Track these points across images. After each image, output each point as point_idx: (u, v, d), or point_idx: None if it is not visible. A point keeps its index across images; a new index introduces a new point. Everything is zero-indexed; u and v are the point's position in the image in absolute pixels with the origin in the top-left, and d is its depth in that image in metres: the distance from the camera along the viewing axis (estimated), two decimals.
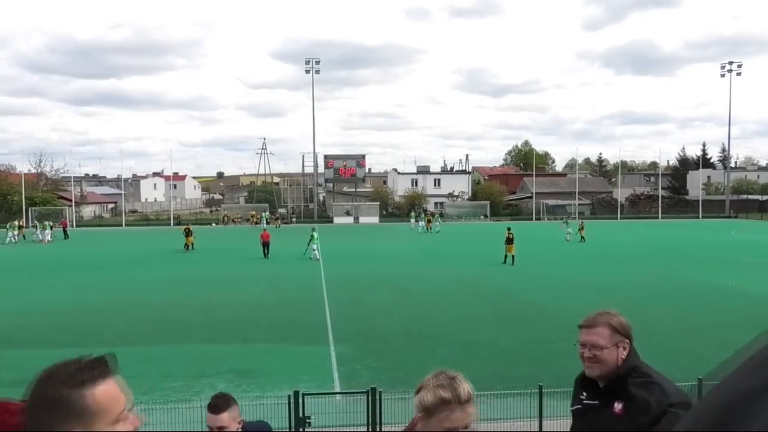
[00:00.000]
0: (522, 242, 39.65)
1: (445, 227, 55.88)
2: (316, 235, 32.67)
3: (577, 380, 2.89)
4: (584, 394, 2.79)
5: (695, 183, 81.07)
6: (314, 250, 32.11)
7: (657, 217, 69.62)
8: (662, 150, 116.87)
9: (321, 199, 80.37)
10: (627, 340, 2.71)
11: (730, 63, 72.84)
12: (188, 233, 38.31)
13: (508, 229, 31.71)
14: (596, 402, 2.71)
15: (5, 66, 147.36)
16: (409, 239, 45.02)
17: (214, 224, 64.06)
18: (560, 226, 43.76)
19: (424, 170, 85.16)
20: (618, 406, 2.62)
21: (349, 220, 66.97)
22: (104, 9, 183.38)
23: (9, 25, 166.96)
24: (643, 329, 15.84)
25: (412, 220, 57.10)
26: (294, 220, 69.52)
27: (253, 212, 67.28)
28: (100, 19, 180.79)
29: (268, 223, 59.04)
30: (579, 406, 2.82)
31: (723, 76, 73.18)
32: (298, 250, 34.23)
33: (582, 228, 42.36)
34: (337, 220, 67.50)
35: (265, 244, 33.89)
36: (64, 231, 49.81)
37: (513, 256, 29.56)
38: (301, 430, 8.45)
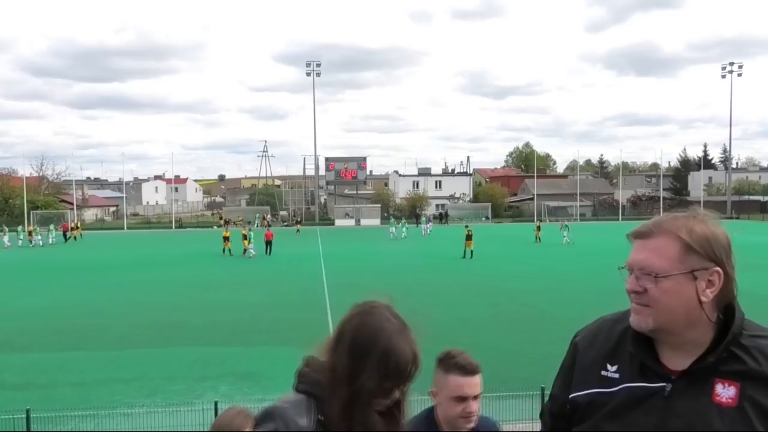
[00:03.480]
0: (523, 244, 39.83)
1: (417, 232, 55.74)
2: (251, 235, 35.64)
3: (600, 331, 1.66)
4: (611, 367, 1.57)
5: (696, 184, 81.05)
6: (250, 248, 34.60)
7: None
8: (664, 151, 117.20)
9: (322, 201, 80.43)
10: (717, 268, 1.48)
11: (731, 64, 72.87)
12: (244, 237, 36.83)
13: (467, 226, 36.75)
14: (661, 384, 1.49)
15: (8, 70, 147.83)
16: (410, 242, 45.02)
17: (215, 227, 64.11)
18: (560, 228, 42.71)
19: (425, 172, 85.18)
20: (726, 392, 1.44)
21: (351, 222, 67.00)
22: (108, 13, 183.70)
23: (12, 29, 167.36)
24: None
25: (392, 229, 49.28)
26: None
27: (264, 215, 67.14)
28: (104, 22, 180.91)
29: (269, 225, 59.04)
30: (607, 390, 1.55)
31: (724, 77, 73.24)
32: (299, 252, 34.41)
33: (539, 229, 42.43)
34: (338, 222, 67.52)
35: (268, 243, 36.29)
36: (64, 234, 49.67)
37: (471, 251, 32.59)
38: None
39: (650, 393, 1.50)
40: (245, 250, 35.41)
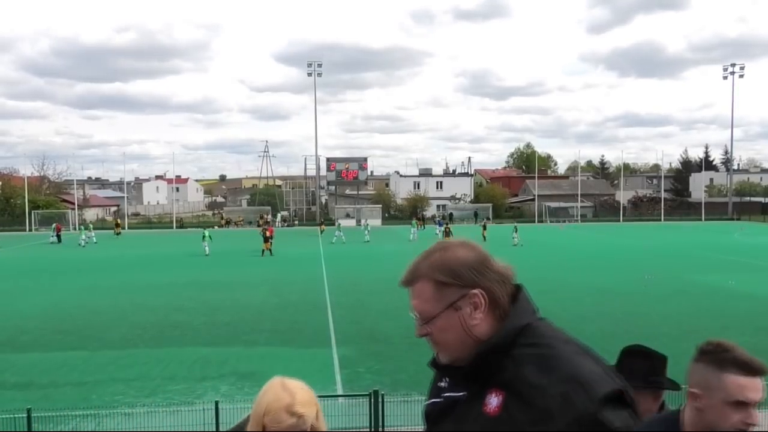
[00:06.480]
0: (524, 245, 39.86)
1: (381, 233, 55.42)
2: (207, 233, 37.23)
3: (432, 360, 1.70)
4: (445, 380, 1.64)
5: (698, 185, 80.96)
6: (205, 247, 35.88)
7: (659, 220, 69.53)
8: (665, 152, 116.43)
9: (323, 201, 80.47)
10: (474, 290, 1.52)
11: (733, 65, 72.69)
12: (266, 235, 36.38)
13: (447, 224, 42.26)
14: (462, 393, 1.56)
15: (11, 70, 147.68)
16: (409, 242, 44.92)
17: (216, 227, 64.16)
18: (514, 233, 41.10)
19: (426, 173, 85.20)
20: (493, 401, 1.47)
21: (351, 222, 66.96)
22: (111, 13, 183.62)
23: (15, 29, 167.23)
24: (646, 332, 15.82)
25: (337, 231, 46.47)
26: (296, 222, 69.59)
27: (263, 215, 67.13)
28: (107, 22, 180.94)
29: (267, 223, 58.96)
30: (436, 401, 1.64)
31: (725, 78, 73.06)
32: (300, 252, 34.47)
33: (485, 228, 44.32)
34: (339, 222, 67.50)
35: (269, 238, 37.68)
36: (58, 236, 48.00)
37: None
38: None
39: (455, 401, 1.57)
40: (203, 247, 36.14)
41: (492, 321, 1.53)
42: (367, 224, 50.87)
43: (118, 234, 54.13)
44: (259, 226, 57.27)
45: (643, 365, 2.73)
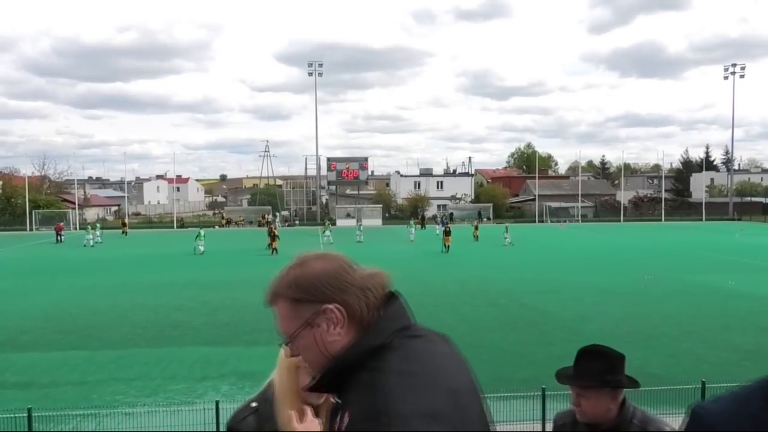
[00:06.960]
0: (524, 245, 39.88)
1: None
2: (203, 233, 38.46)
3: None
4: None
5: (698, 185, 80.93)
6: (199, 245, 36.75)
7: (660, 220, 69.53)
8: (666, 152, 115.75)
9: (324, 201, 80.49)
10: (328, 305, 1.45)
11: (734, 65, 72.65)
12: (275, 233, 36.95)
13: (447, 224, 42.04)
14: (338, 402, 1.51)
15: (12, 69, 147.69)
16: (408, 242, 44.92)
17: (217, 227, 64.23)
18: (505, 233, 41.65)
19: (426, 173, 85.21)
20: (345, 420, 1.42)
21: (352, 222, 66.97)
22: (112, 12, 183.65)
23: (16, 29, 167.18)
24: (646, 332, 15.84)
25: (327, 232, 45.25)
26: (297, 222, 69.59)
27: (265, 214, 67.15)
28: (108, 22, 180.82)
29: (268, 223, 58.90)
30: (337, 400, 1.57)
31: (726, 78, 73.02)
32: (301, 252, 34.62)
33: (476, 228, 45.98)
34: (339, 222, 67.48)
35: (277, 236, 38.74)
36: (58, 235, 47.96)
37: (448, 246, 36.40)
38: None
39: (336, 408, 1.49)
40: (195, 247, 36.92)
41: (354, 336, 1.45)
42: (361, 224, 50.63)
43: (125, 234, 55.05)
44: (260, 225, 57.31)
45: (599, 365, 2.78)
